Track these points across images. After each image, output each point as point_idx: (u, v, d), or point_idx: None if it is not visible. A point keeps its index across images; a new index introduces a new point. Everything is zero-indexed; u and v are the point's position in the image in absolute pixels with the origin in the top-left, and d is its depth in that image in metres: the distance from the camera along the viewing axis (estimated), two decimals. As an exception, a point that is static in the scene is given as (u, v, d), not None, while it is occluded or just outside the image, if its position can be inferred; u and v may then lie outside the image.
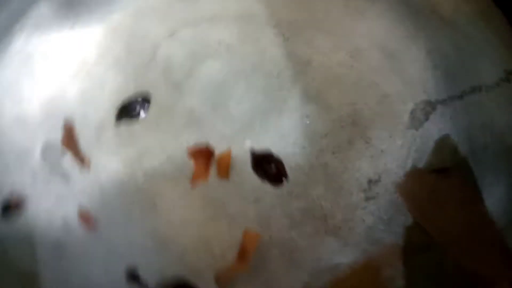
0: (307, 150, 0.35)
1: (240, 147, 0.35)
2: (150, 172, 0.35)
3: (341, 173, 0.34)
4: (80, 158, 0.34)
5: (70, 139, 0.34)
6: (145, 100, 0.35)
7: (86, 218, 0.33)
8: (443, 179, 0.33)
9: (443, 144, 0.33)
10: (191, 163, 0.35)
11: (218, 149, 0.35)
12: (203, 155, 0.34)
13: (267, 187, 0.34)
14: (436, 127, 0.33)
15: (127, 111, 0.35)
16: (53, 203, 0.34)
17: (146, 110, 0.35)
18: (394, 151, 0.34)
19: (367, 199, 0.33)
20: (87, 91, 0.36)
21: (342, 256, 0.32)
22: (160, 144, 0.35)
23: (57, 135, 0.35)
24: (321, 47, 0.38)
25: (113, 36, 0.37)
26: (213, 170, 0.34)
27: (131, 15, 0.37)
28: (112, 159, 0.35)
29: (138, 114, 0.35)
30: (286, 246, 0.33)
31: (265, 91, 0.37)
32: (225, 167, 0.34)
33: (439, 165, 0.33)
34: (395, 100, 0.34)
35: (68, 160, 0.34)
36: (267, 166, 0.34)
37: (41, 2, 0.35)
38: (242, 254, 0.33)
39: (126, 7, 0.37)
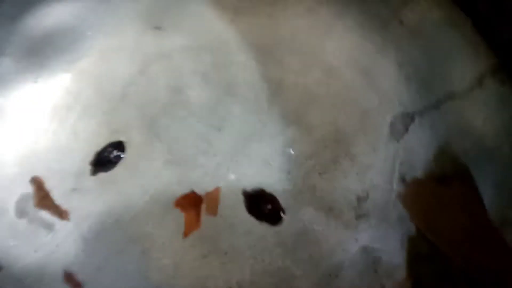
0: (293, 174, 0.35)
1: (225, 181, 0.35)
2: (135, 214, 0.34)
3: (329, 193, 0.34)
4: (58, 212, 0.33)
5: (41, 196, 0.33)
6: (120, 146, 0.34)
7: (72, 280, 0.31)
8: (444, 187, 0.33)
9: (442, 153, 0.34)
10: (176, 199, 0.34)
11: (203, 185, 0.35)
12: (192, 204, 0.34)
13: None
14: (417, 137, 0.34)
15: (102, 159, 0.34)
16: (37, 258, 0.33)
17: (122, 155, 0.34)
18: (379, 166, 0.34)
19: (358, 217, 0.33)
20: (61, 141, 0.34)
21: (340, 280, 0.32)
22: (142, 185, 0.34)
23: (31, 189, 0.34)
24: (292, 67, 0.38)
25: (81, 81, 0.35)
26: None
27: (97, 58, 0.36)
28: (94, 206, 0.34)
29: (115, 160, 0.34)
30: (282, 275, 0.33)
31: (244, 117, 0.37)
32: (214, 205, 0.33)
33: (440, 174, 0.33)
34: (374, 114, 0.35)
35: (45, 214, 0.33)
36: (263, 206, 0.34)
37: (1, 58, 0.34)
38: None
39: (90, 51, 0.36)
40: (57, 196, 0.33)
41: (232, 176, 0.34)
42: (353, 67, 0.36)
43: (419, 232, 0.32)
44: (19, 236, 0.32)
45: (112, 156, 0.34)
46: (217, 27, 0.38)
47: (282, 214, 0.33)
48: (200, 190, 0.34)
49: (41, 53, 0.35)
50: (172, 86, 0.37)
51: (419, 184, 0.33)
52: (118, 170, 0.34)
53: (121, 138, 0.35)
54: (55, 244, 0.32)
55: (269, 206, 0.34)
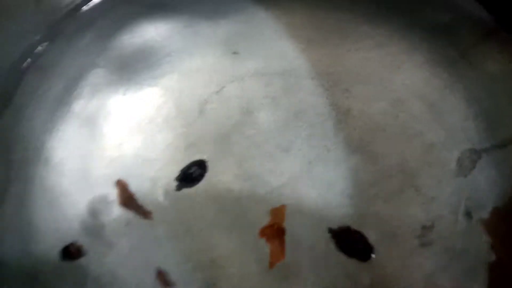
0: (355, 200, 0.36)
1: (290, 199, 0.36)
2: (205, 226, 0.36)
3: (393, 220, 0.35)
4: (142, 212, 0.35)
5: (126, 197, 0.35)
6: (202, 165, 0.37)
7: (164, 280, 0.33)
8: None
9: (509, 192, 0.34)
10: (260, 229, 0.35)
11: (270, 202, 0.36)
12: (276, 234, 0.35)
13: (319, 235, 0.35)
14: (484, 174, 0.35)
15: (187, 176, 0.36)
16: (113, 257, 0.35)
17: (204, 173, 0.36)
18: (444, 198, 0.35)
19: (422, 245, 0.34)
20: (142, 150, 0.37)
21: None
22: (215, 198, 0.36)
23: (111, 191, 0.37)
24: (359, 96, 0.40)
25: (163, 96, 0.38)
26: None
27: (179, 76, 0.39)
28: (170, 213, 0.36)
29: (199, 178, 0.36)
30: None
31: (310, 141, 0.39)
32: (281, 218, 0.35)
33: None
34: (441, 148, 0.36)
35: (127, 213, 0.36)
36: (353, 243, 0.34)
37: (95, 69, 0.37)
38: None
39: (173, 70, 0.39)
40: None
41: (296, 196, 0.36)
42: (421, 100, 0.38)
43: (500, 260, 0.32)
44: (98, 234, 0.35)
45: (196, 174, 0.37)
46: (290, 55, 0.41)
47: (372, 255, 0.34)
48: (266, 206, 0.36)
49: (131, 68, 0.38)
50: (243, 107, 0.39)
51: (502, 213, 0.33)
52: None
53: (196, 151, 0.37)
54: (130, 244, 0.34)
55: (360, 244, 0.34)
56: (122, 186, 0.35)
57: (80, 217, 0.35)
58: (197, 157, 0.37)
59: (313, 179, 0.37)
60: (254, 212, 0.36)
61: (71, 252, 0.34)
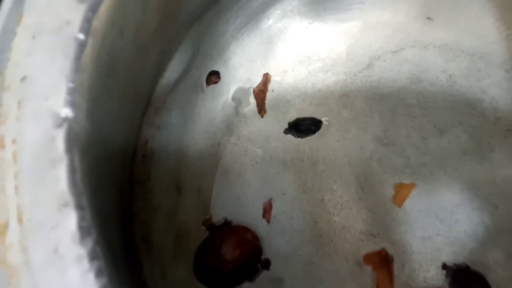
0: (501, 210, 0.32)
1: (423, 181, 0.34)
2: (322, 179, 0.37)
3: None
4: (260, 108, 0.38)
5: (262, 91, 0.38)
6: (317, 124, 0.37)
7: (268, 210, 0.36)
8: None
9: None
10: (365, 254, 0.33)
11: (400, 175, 0.35)
12: (384, 262, 0.32)
13: (436, 224, 0.33)
14: None
15: (298, 126, 0.37)
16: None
17: (316, 131, 0.37)
18: None
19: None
20: (298, 81, 0.39)
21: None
22: (345, 152, 0.37)
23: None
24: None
25: (339, 39, 0.39)
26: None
27: (362, 25, 0.39)
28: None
29: (308, 132, 0.37)
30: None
31: (473, 132, 0.35)
32: (402, 198, 0.34)
33: None
34: None
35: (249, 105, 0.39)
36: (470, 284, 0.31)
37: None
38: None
39: (360, 18, 0.39)
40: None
41: (432, 182, 0.34)
42: None
43: None
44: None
45: (306, 128, 0.37)
46: (488, 37, 0.36)
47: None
48: (395, 179, 0.35)
49: (322, 5, 0.39)
50: (414, 75, 0.37)
51: None
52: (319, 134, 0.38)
53: (347, 103, 0.38)
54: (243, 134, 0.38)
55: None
56: (266, 78, 0.38)
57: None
58: (346, 108, 0.38)
59: (460, 173, 0.34)
60: (379, 178, 0.35)
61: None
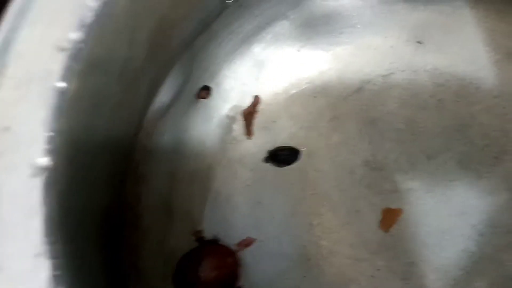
0: (485, 238, 0.32)
1: (410, 205, 0.35)
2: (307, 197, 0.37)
3: (515, 279, 0.30)
4: (248, 129, 0.38)
5: (251, 113, 0.38)
6: (294, 153, 0.37)
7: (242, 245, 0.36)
8: None
9: None
10: None
11: (388, 200, 0.35)
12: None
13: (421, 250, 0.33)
14: None
15: (277, 156, 0.37)
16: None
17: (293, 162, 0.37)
18: None
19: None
20: (287, 103, 0.40)
21: None
22: (334, 174, 0.37)
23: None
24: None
25: (330, 63, 0.40)
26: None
27: (353, 49, 0.39)
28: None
29: (286, 162, 0.37)
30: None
31: (461, 159, 0.35)
32: (390, 223, 0.34)
33: None
34: None
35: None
36: None
37: (283, 20, 0.41)
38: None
39: (351, 42, 0.39)
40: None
41: (418, 207, 0.34)
42: None
43: None
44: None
45: (283, 158, 0.37)
46: (479, 62, 0.37)
47: None
48: (383, 204, 0.35)
49: (314, 28, 0.40)
50: (403, 99, 0.38)
51: None
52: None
53: (338, 125, 0.38)
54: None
55: None
56: (256, 100, 0.38)
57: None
58: (336, 131, 0.38)
59: (448, 198, 0.34)
60: (367, 202, 0.35)
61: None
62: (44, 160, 0.18)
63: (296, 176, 0.37)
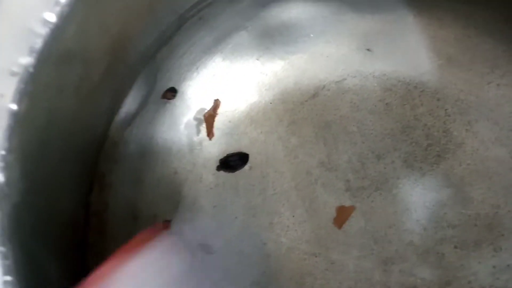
0: (428, 233, 0.35)
1: (362, 204, 0.37)
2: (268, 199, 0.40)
3: (455, 269, 0.33)
4: (209, 131, 0.40)
5: (211, 115, 0.41)
6: (244, 158, 0.40)
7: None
8: None
9: None
10: None
11: (342, 199, 0.38)
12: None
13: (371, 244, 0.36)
14: None
15: (227, 163, 0.40)
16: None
17: (243, 166, 0.39)
18: (523, 274, 0.31)
19: (473, 308, 0.31)
20: (249, 108, 0.42)
21: None
22: (292, 175, 0.40)
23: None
24: (481, 135, 0.36)
25: (287, 70, 0.42)
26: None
27: (308, 57, 0.42)
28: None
29: (235, 168, 0.40)
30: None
31: (406, 158, 0.38)
32: (342, 221, 0.37)
33: None
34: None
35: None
36: None
37: (242, 31, 0.43)
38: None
39: (305, 51, 0.42)
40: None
41: (369, 205, 0.37)
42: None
43: None
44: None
45: (234, 163, 0.40)
46: (423, 67, 0.39)
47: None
48: (337, 202, 0.38)
49: (271, 38, 0.42)
50: (355, 104, 0.40)
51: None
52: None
53: (296, 130, 0.40)
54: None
55: None
56: (215, 104, 0.41)
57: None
58: (294, 135, 0.40)
59: (394, 196, 0.37)
60: (322, 201, 0.38)
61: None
62: (-3, 177, 0.19)
63: (258, 177, 0.40)
